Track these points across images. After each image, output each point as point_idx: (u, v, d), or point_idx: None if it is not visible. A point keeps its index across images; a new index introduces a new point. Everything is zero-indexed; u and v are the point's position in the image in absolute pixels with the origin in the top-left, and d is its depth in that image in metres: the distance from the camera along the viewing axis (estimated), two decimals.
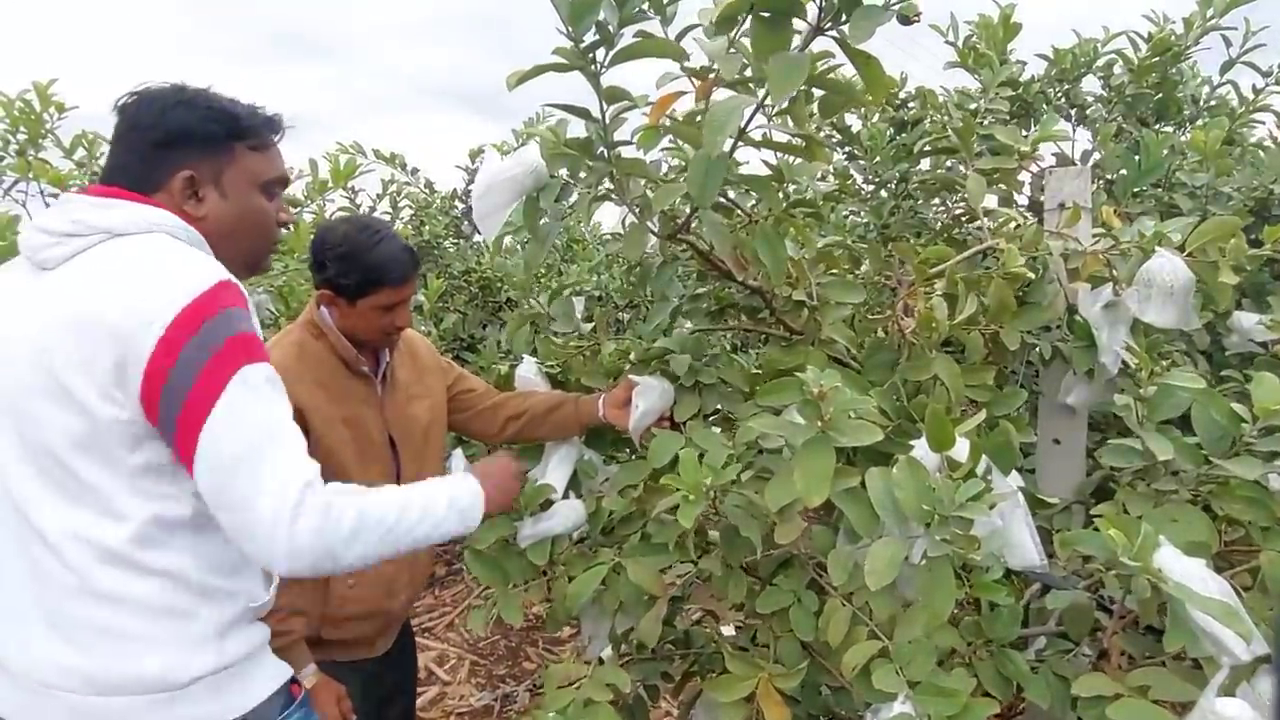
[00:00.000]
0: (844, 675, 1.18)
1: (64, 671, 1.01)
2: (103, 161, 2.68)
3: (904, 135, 2.60)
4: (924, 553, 1.09)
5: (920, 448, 1.22)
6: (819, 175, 2.81)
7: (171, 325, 0.96)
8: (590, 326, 1.90)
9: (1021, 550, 1.32)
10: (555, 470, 1.71)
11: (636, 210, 1.28)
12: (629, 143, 1.26)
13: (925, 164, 2.53)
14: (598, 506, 1.58)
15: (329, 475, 1.51)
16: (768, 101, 1.20)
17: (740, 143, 1.20)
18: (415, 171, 3.77)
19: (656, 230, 1.31)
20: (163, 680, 1.02)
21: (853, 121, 2.84)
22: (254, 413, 0.98)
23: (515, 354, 2.07)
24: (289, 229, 1.71)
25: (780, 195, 1.45)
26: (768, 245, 1.25)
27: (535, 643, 3.22)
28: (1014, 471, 1.35)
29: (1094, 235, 1.56)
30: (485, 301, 3.99)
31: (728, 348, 1.84)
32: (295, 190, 2.82)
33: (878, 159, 2.67)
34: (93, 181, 2.63)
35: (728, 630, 2.24)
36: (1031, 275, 1.43)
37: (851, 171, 2.83)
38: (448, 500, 1.18)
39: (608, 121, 1.22)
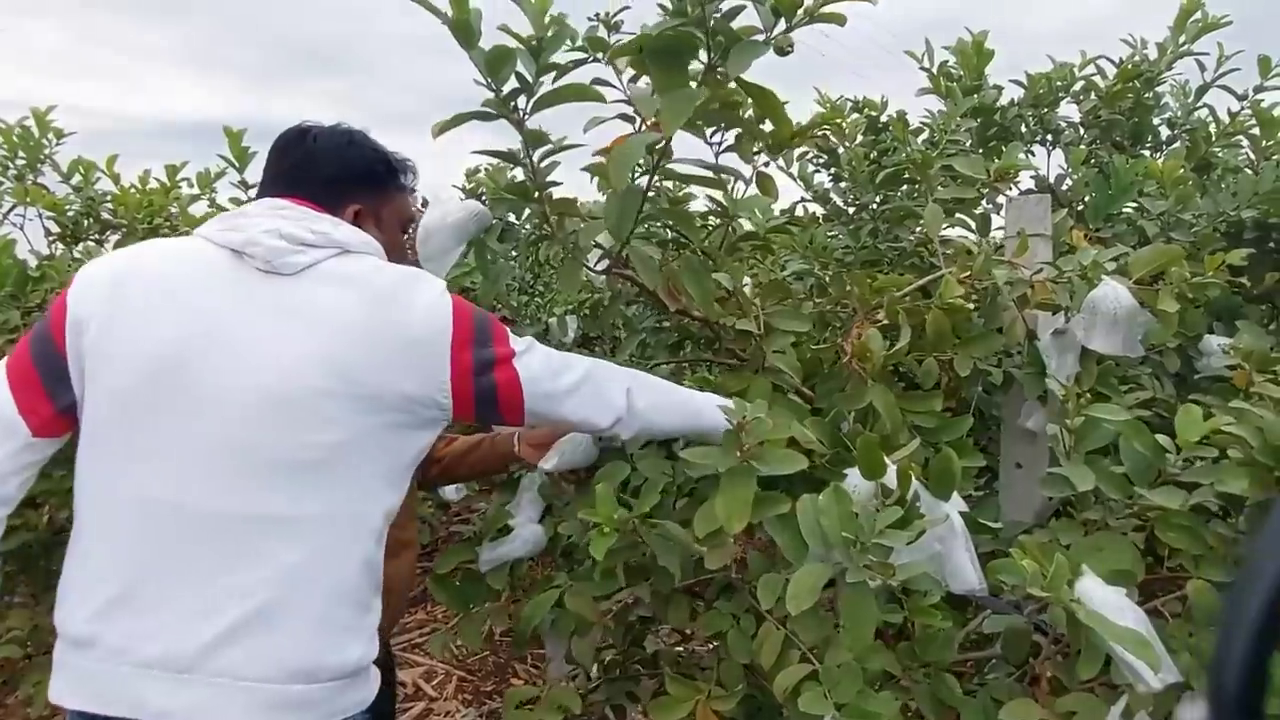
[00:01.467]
0: (777, 697, 1.21)
1: (270, 663, 1.00)
2: (98, 186, 2.78)
3: (884, 159, 2.64)
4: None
5: (854, 476, 1.25)
6: (798, 203, 2.85)
7: (455, 328, 1.09)
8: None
9: (961, 574, 1.34)
10: (529, 505, 1.73)
11: (570, 247, 1.33)
12: (559, 183, 1.31)
13: (905, 188, 2.56)
14: (555, 531, 1.62)
15: None
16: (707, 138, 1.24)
17: (658, 177, 1.25)
18: (412, 191, 3.83)
19: (593, 266, 1.36)
20: (356, 666, 1.06)
21: (838, 143, 2.88)
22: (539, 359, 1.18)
23: None
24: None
25: (729, 228, 1.49)
26: (693, 277, 1.29)
27: (524, 659, 3.25)
28: (956, 496, 1.38)
29: (1039, 264, 1.59)
30: None
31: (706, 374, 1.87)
32: None
33: (856, 182, 2.70)
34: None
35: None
36: (970, 305, 1.45)
37: (832, 195, 2.86)
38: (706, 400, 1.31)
39: (536, 164, 1.27)
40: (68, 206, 2.64)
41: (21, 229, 2.62)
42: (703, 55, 1.10)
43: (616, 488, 1.44)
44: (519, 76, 1.16)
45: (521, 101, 1.20)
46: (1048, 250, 1.77)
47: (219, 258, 1.09)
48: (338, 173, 1.20)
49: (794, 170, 2.80)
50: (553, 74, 1.17)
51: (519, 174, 1.39)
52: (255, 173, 2.75)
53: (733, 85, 1.19)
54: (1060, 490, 1.28)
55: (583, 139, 1.28)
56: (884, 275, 1.68)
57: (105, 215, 2.72)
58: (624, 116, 1.26)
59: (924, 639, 1.29)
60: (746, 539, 1.48)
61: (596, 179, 1.50)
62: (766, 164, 1.54)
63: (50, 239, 2.72)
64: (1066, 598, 1.04)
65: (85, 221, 2.67)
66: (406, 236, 1.41)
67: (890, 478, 1.25)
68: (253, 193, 2.87)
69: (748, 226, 1.65)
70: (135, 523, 1.02)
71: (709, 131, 1.48)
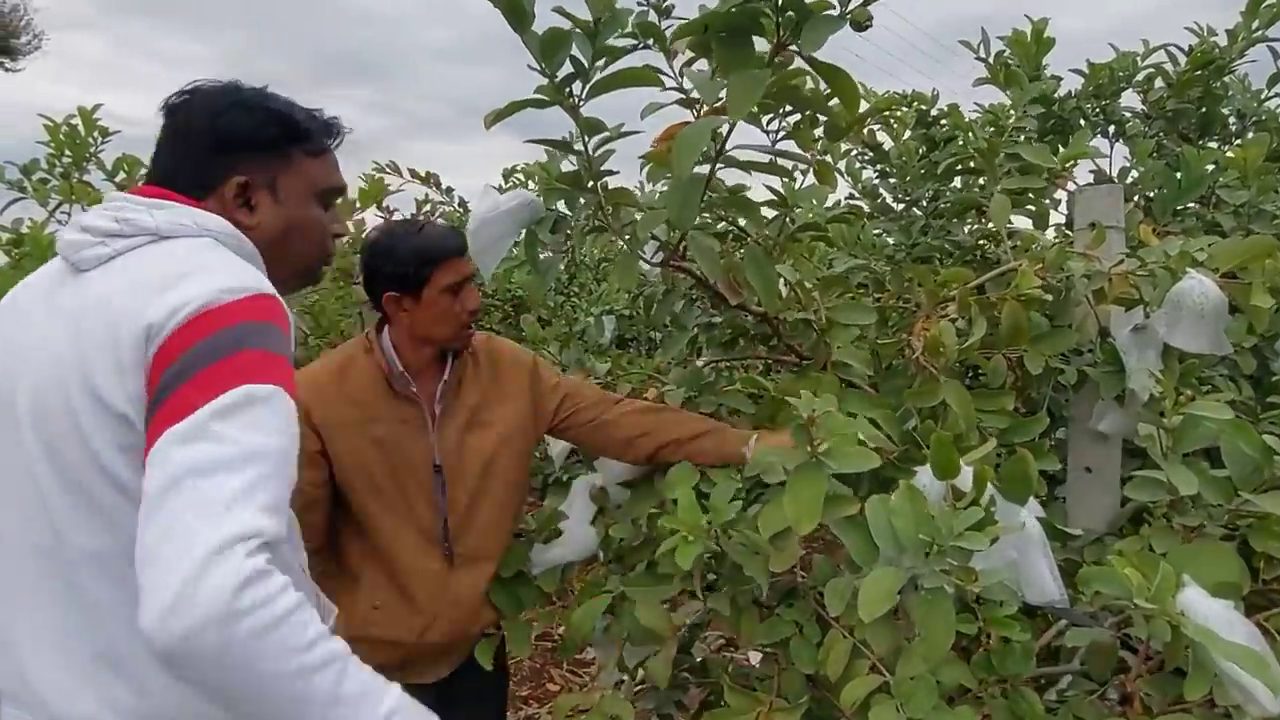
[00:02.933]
0: (844, 710, 1.14)
1: (117, 712, 0.91)
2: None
3: (935, 153, 2.55)
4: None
5: (924, 475, 1.18)
6: (843, 196, 2.78)
7: (185, 326, 0.87)
8: (606, 367, 1.87)
9: (1039, 584, 1.27)
10: (581, 507, 1.67)
11: (627, 239, 1.27)
12: (615, 172, 1.25)
13: (958, 182, 2.47)
14: (608, 533, 1.56)
15: (359, 497, 1.50)
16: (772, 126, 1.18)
17: (721, 164, 1.18)
18: (450, 190, 3.82)
19: (650, 259, 1.30)
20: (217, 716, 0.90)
21: (885, 139, 2.80)
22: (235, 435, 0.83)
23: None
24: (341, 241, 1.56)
25: (787, 219, 1.42)
26: (756, 268, 1.22)
27: (560, 664, 3.19)
28: (1033, 501, 1.29)
29: (1119, 255, 1.50)
30: (518, 320, 4.02)
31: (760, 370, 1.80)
32: None
33: (908, 177, 2.62)
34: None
35: (755, 656, 2.17)
36: (1048, 297, 1.37)
37: (881, 190, 2.78)
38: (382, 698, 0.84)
39: (591, 153, 1.21)
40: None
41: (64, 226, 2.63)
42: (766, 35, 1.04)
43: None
44: (574, 61, 1.10)
45: (576, 87, 1.14)
46: (1121, 243, 1.68)
47: (56, 263, 1.01)
48: (215, 139, 1.03)
49: (841, 166, 2.73)
50: (607, 59, 1.11)
51: (568, 165, 1.33)
52: None
53: (796, 66, 1.12)
54: (1154, 494, 1.19)
55: (640, 126, 1.22)
56: (944, 270, 1.61)
57: None
58: (682, 103, 1.20)
59: (1001, 651, 1.21)
60: (806, 541, 1.41)
61: (646, 169, 1.43)
62: (825, 153, 1.47)
63: None
64: (1172, 611, 0.96)
65: None
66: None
67: (964, 479, 1.17)
68: None
69: (804, 217, 1.58)
70: None
71: (766, 119, 1.42)
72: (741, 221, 1.46)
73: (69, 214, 2.67)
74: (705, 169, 1.18)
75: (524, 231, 1.35)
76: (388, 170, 3.40)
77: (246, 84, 1.10)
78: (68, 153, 2.66)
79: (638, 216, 1.27)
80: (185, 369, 0.85)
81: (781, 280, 1.33)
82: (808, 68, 1.07)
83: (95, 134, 2.71)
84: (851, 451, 1.07)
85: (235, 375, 0.85)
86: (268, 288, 0.95)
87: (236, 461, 0.81)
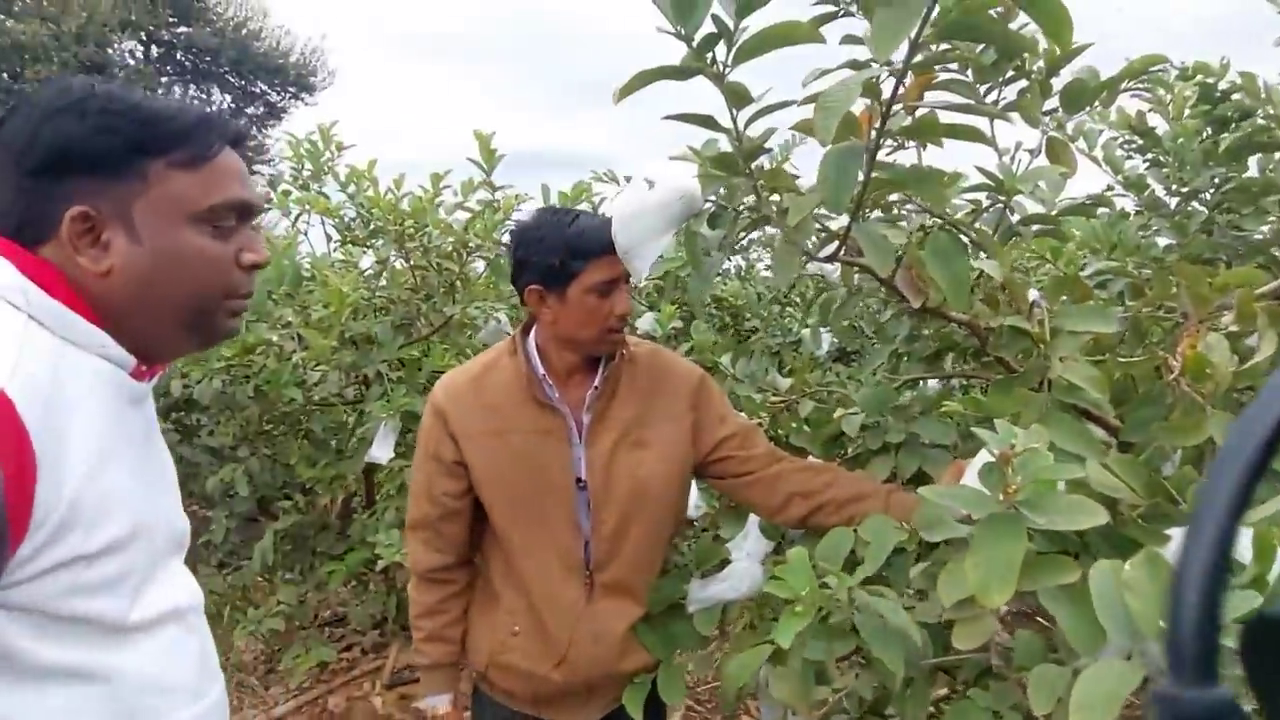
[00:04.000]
0: None
1: None
2: (369, 193, 2.96)
3: (1225, 135, 2.10)
4: None
5: (1180, 538, 0.88)
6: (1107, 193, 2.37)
7: None
8: (788, 382, 1.67)
9: None
10: (755, 540, 1.49)
11: (786, 229, 1.07)
12: (769, 150, 1.05)
13: (1254, 166, 2.02)
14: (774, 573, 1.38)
15: (496, 513, 1.41)
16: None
17: (884, 136, 0.95)
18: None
19: (818, 254, 1.09)
20: None
21: (1158, 122, 2.36)
22: None
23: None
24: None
25: (1005, 210, 1.16)
26: (941, 259, 0.97)
27: (750, 710, 2.99)
28: None
29: None
30: (736, 330, 3.88)
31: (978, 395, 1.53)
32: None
33: (1186, 164, 2.17)
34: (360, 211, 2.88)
35: None
36: None
37: (1150, 181, 2.34)
38: None
39: (741, 129, 1.02)
40: (342, 211, 2.83)
41: (305, 234, 2.85)
42: None
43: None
44: (715, 19, 0.93)
45: (720, 51, 0.96)
46: None
47: None
48: (39, 160, 0.78)
49: (1098, 153, 2.32)
50: (756, 14, 0.92)
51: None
52: (501, 175, 2.81)
53: None
54: None
55: (799, 95, 1.01)
56: (1226, 271, 1.26)
57: (377, 222, 2.89)
58: (854, 64, 0.99)
59: None
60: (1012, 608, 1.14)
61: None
62: (1060, 128, 1.20)
63: (331, 242, 2.95)
64: None
65: (355, 226, 2.85)
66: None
67: (1240, 548, 0.87)
68: (499, 194, 2.94)
69: (1031, 209, 1.30)
70: None
71: (983, 89, 1.17)
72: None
73: (308, 222, 2.89)
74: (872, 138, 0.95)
75: (680, 228, 1.19)
76: (604, 178, 3.39)
77: (98, 83, 0.82)
78: (308, 165, 2.88)
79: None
80: None
81: (985, 277, 1.08)
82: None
83: (332, 148, 2.92)
84: (1064, 501, 0.80)
85: None
86: None
87: None
